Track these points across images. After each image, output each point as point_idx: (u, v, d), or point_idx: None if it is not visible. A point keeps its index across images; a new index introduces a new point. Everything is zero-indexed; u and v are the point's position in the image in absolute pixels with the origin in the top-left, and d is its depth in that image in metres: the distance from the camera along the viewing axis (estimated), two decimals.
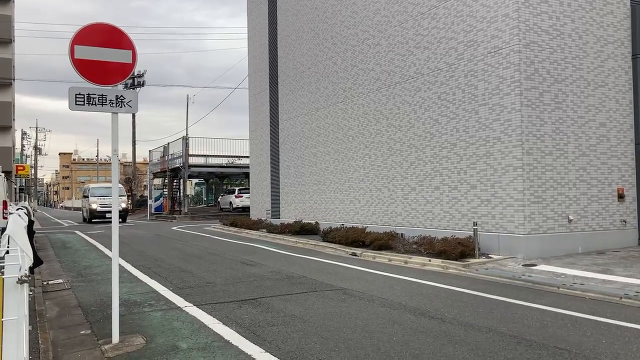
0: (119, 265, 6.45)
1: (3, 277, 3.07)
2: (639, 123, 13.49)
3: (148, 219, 38.03)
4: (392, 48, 16.19)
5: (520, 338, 5.76)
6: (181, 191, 40.06)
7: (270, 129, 24.85)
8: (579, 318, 6.73)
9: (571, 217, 12.30)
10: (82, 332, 6.27)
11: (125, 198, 34.54)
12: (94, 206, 31.64)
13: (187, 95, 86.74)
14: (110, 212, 26.47)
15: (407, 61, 15.49)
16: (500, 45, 12.26)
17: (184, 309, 7.36)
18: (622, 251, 12.39)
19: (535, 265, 10.78)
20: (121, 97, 5.96)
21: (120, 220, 25.64)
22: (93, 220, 31.86)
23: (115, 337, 5.73)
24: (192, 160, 37.46)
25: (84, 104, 5.76)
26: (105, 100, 5.88)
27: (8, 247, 3.49)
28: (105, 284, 9.25)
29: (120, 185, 34.67)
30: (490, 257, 11.79)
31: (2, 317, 3.06)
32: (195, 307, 7.46)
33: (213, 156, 38.47)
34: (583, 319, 6.66)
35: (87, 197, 32.58)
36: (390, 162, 16.18)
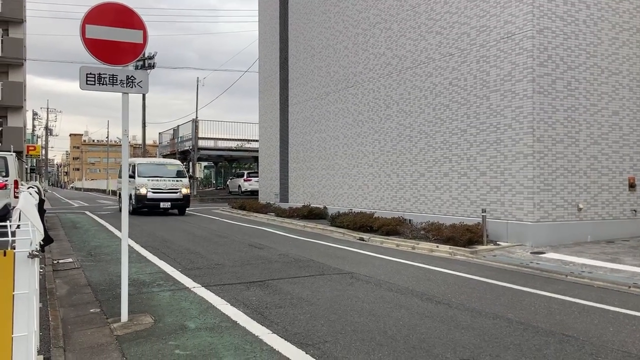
0: (128, 246, 6.49)
1: (14, 251, 3.10)
2: None
3: None
4: (403, 32, 16.05)
5: (527, 324, 5.76)
6: (190, 174, 40.20)
7: (280, 112, 24.81)
8: (586, 306, 6.71)
9: (581, 206, 12.23)
10: (91, 310, 6.33)
11: (186, 181, 23.39)
12: (143, 191, 21.70)
13: (197, 77, 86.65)
14: (169, 200, 22.14)
15: (419, 46, 15.35)
16: (513, 30, 12.12)
17: (192, 289, 7.42)
18: (632, 240, 12.32)
19: (543, 253, 10.75)
20: (132, 78, 5.96)
21: (177, 211, 22.90)
22: (142, 211, 22.26)
23: (124, 316, 5.78)
24: (202, 143, 37.55)
25: (94, 84, 5.76)
26: (116, 80, 5.87)
27: (19, 222, 3.51)
28: (114, 264, 9.32)
29: (178, 162, 25.79)
30: (499, 244, 11.76)
31: (14, 291, 3.09)
32: (203, 288, 7.51)
33: (222, 139, 38.52)
34: (590, 307, 6.65)
35: (132, 177, 21.69)
36: (400, 148, 16.13)
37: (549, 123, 11.86)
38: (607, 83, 12.74)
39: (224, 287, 7.54)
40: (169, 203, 21.99)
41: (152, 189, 21.80)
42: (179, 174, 23.31)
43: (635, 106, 13.18)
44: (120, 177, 24.40)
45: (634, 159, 13.17)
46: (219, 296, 6.97)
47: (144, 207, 21.89)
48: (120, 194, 23.48)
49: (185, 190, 22.57)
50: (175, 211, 22.94)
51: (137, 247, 11.60)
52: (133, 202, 21.70)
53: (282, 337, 5.20)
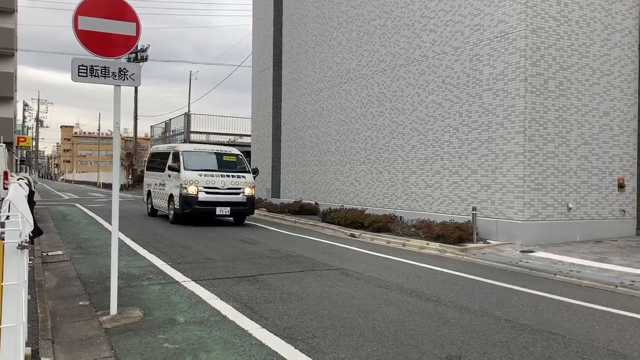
0: (119, 239, 6.48)
1: (3, 242, 3.09)
2: None
3: None
4: (397, 30, 16.06)
5: (515, 322, 5.80)
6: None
7: (273, 108, 24.76)
8: (573, 305, 6.77)
9: (571, 205, 12.31)
10: (80, 303, 6.31)
11: (251, 177, 16.61)
12: (192, 190, 15.30)
13: (190, 71, 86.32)
14: (228, 204, 15.75)
15: (413, 43, 15.37)
16: (506, 30, 12.16)
17: (182, 283, 7.41)
18: (620, 240, 12.42)
19: (532, 251, 10.82)
20: (124, 70, 5.94)
21: (232, 219, 16.88)
22: (185, 215, 15.62)
23: (114, 309, 5.78)
24: (194, 137, 37.37)
25: (86, 76, 5.74)
26: (108, 72, 5.85)
27: (9, 213, 3.50)
28: (104, 257, 9.29)
29: (236, 150, 17.86)
30: (488, 243, 11.82)
31: (2, 282, 3.08)
32: (193, 282, 7.51)
33: (215, 134, 38.36)
34: (578, 306, 6.71)
35: (175, 169, 15.98)
36: (392, 145, 16.16)
37: (541, 122, 11.92)
38: (598, 84, 12.82)
39: (214, 282, 7.55)
40: (228, 208, 15.71)
41: (205, 187, 15.42)
42: (241, 168, 16.93)
43: (625, 107, 13.27)
44: (146, 170, 19.71)
45: (623, 159, 13.28)
46: (209, 290, 6.97)
47: (193, 212, 15.38)
48: (149, 191, 18.78)
49: (249, 191, 16.20)
50: (230, 219, 17.00)
51: (128, 241, 11.57)
52: (176, 205, 15.66)
53: (271, 332, 5.22)
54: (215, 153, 17.15)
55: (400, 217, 14.98)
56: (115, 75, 5.88)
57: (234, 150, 17.72)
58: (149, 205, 18.70)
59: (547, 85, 12.00)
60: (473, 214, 11.92)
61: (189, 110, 41.91)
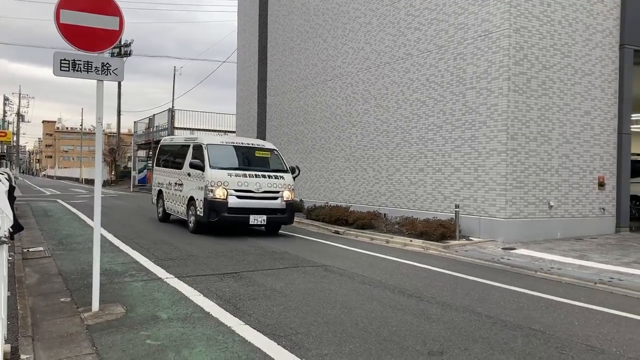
0: (101, 235, 6.43)
1: None
2: (622, 113, 13.62)
3: (131, 190, 37.80)
4: (382, 27, 16.10)
5: (496, 318, 5.87)
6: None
7: (258, 104, 24.69)
8: (553, 301, 6.87)
9: (552, 203, 12.46)
10: (61, 299, 6.26)
11: (290, 178, 13.56)
12: (220, 193, 12.34)
13: (175, 66, 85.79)
14: (264, 211, 12.61)
15: (398, 42, 15.43)
16: (490, 29, 12.25)
17: (165, 280, 7.38)
18: (600, 238, 12.60)
19: (514, 249, 10.94)
20: (107, 65, 5.88)
21: (264, 227, 13.23)
22: (212, 224, 12.58)
23: (95, 306, 5.73)
24: (177, 133, 37.19)
25: (68, 70, 5.68)
26: (91, 67, 5.79)
27: None
28: (86, 253, 9.21)
29: (270, 144, 15.07)
30: (471, 240, 11.93)
31: None
32: (176, 278, 7.48)
33: (199, 130, 38.25)
34: (558, 302, 6.80)
35: (198, 166, 12.92)
36: (377, 143, 16.21)
37: (523, 121, 12.04)
38: (580, 83, 12.98)
39: (197, 278, 7.52)
40: (264, 217, 12.55)
41: (236, 190, 12.36)
42: (277, 166, 13.75)
43: (606, 107, 13.45)
44: (156, 166, 16.86)
45: (603, 158, 13.46)
46: (192, 287, 6.95)
47: (221, 221, 12.30)
48: (159, 191, 15.88)
49: (288, 195, 13.01)
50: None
51: (110, 237, 11.48)
52: (199, 211, 12.61)
53: (254, 328, 5.22)
54: (246, 147, 13.95)
55: (385, 214, 15.04)
56: (98, 70, 5.83)
57: (268, 144, 14.75)
58: (160, 209, 15.71)
59: (530, 84, 12.12)
60: (456, 211, 12.02)
61: (172, 106, 41.64)
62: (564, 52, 12.68)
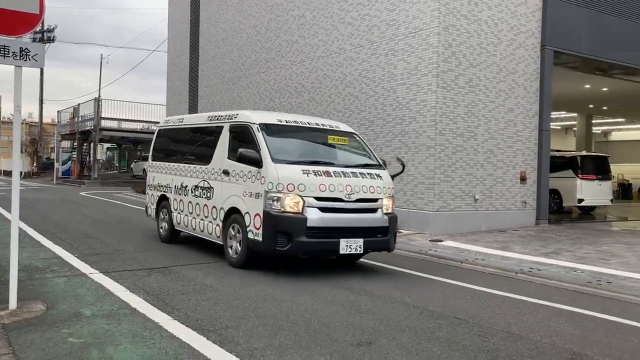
0: (20, 229, 6.10)
1: None
2: (543, 110, 14.29)
3: (54, 183, 36.17)
4: (316, 21, 16.13)
5: (424, 309, 6.03)
6: (91, 155, 38.31)
7: (189, 95, 24.18)
8: (477, 291, 7.14)
9: (477, 197, 12.93)
10: None
11: (388, 177, 8.42)
12: (292, 204, 7.29)
13: (102, 54, 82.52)
14: (359, 231, 7.72)
15: (331, 36, 15.50)
16: (421, 26, 12.53)
17: (89, 275, 7.11)
18: (521, 230, 13.20)
19: (441, 241, 11.28)
20: (26, 50, 5.56)
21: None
22: (280, 255, 7.60)
23: (13, 303, 5.44)
24: (105, 124, 35.88)
25: None
26: (8, 52, 5.46)
27: None
28: (3, 248, 8.71)
29: (348, 128, 9.32)
30: (400, 232, 12.17)
31: None
32: (101, 274, 7.21)
33: (127, 120, 37.08)
34: (481, 292, 7.08)
35: (250, 160, 7.73)
36: None
37: (451, 117, 12.41)
38: (504, 81, 13.50)
39: (124, 274, 7.29)
40: (361, 242, 7.68)
41: (317, 199, 7.48)
42: (362, 158, 8.86)
43: (528, 104, 14.07)
44: (154, 160, 11.68)
45: (525, 154, 14.08)
46: (118, 283, 6.73)
47: (296, 250, 7.46)
48: (161, 197, 10.67)
49: (388, 204, 8.22)
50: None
51: (30, 231, 10.93)
52: (253, 233, 7.62)
53: (183, 323, 5.12)
54: (315, 129, 8.78)
55: None
56: (15, 55, 5.50)
57: (344, 126, 9.48)
58: (164, 224, 10.48)
59: (458, 81, 12.50)
60: None
61: (99, 95, 40.11)
62: (489, 51, 13.14)
